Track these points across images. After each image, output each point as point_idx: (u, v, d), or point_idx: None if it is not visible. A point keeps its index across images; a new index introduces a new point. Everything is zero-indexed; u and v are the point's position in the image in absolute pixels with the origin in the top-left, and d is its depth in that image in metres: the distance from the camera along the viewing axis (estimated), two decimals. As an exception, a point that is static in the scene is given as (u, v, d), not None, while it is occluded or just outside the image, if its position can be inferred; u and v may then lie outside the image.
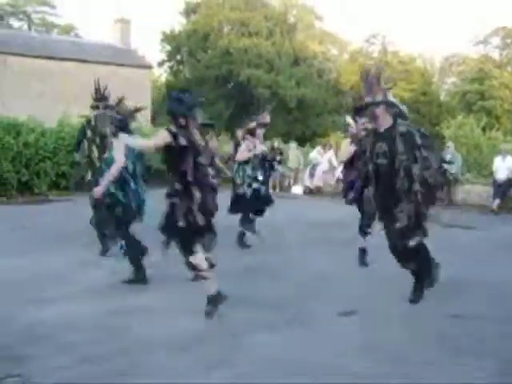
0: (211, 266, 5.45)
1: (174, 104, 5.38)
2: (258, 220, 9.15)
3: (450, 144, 15.69)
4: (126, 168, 6.61)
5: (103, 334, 5.08)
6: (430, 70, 49.41)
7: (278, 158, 10.16)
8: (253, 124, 9.14)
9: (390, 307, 5.92)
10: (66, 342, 4.88)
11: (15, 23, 45.45)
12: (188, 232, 5.27)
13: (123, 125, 6.74)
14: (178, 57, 46.21)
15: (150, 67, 34.79)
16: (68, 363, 4.42)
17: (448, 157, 14.86)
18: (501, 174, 14.11)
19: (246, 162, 8.91)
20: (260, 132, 9.28)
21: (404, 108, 6.14)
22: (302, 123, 42.42)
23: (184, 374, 4.26)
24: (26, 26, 45.21)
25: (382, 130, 5.93)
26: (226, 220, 10.41)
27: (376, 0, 74.65)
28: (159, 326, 5.31)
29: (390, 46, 47.33)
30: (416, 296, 6.10)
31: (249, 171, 8.91)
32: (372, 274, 7.20)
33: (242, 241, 8.97)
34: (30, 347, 4.75)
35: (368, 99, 5.90)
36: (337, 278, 6.93)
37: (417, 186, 5.72)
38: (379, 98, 5.85)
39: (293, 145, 22.06)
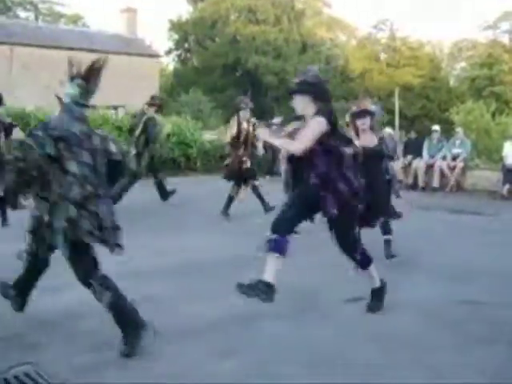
0: None
1: None
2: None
3: (460, 130, 15.61)
4: None
5: (113, 322, 5.09)
6: (438, 55, 49.09)
7: None
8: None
9: (400, 294, 5.90)
10: (78, 330, 4.91)
11: (22, 14, 45.49)
12: None
13: None
14: (186, 45, 46.16)
15: (157, 56, 34.77)
16: (79, 351, 4.45)
17: (457, 142, 14.82)
18: (510, 160, 14.03)
19: None
20: None
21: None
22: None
23: (196, 362, 4.27)
24: (33, 17, 45.21)
25: None
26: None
27: (384, -15, 74.02)
28: (171, 314, 5.32)
29: (399, 32, 47.03)
30: None
31: None
32: (380, 261, 7.19)
33: None
34: (41, 335, 4.78)
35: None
36: (345, 265, 6.92)
37: None
38: None
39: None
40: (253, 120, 10.27)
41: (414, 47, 46.26)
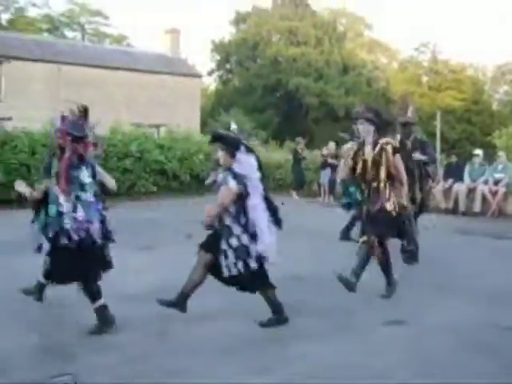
0: None
1: None
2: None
3: (502, 154, 15.40)
4: None
5: (151, 335, 5.17)
6: (481, 78, 48.63)
7: None
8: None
9: (438, 316, 5.85)
10: (115, 341, 4.99)
11: (69, 33, 46.63)
12: None
13: None
14: (228, 66, 46.59)
15: (199, 76, 35.21)
16: (116, 362, 4.52)
17: (500, 167, 14.62)
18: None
19: None
20: None
21: None
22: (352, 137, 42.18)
23: (228, 378, 4.30)
24: (79, 36, 46.26)
25: None
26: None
27: (427, 8, 73.95)
28: (206, 329, 5.37)
29: (441, 55, 46.77)
30: None
31: None
32: (419, 282, 7.13)
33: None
34: (80, 346, 4.88)
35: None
36: (381, 286, 6.88)
37: None
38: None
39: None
40: None
41: (456, 70, 45.95)
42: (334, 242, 9.80)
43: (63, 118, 5.29)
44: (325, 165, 17.90)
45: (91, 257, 5.25)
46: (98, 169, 5.44)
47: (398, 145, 6.53)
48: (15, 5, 43.88)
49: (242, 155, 5.23)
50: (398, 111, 8.13)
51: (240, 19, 46.73)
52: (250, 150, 5.38)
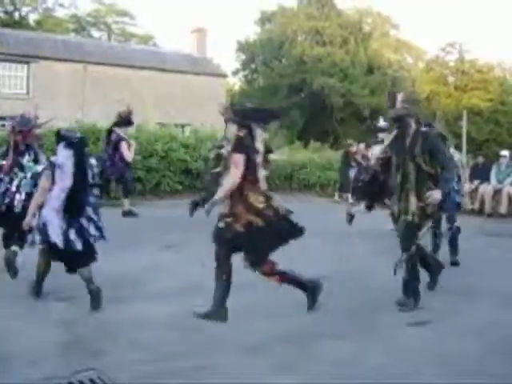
0: None
1: None
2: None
3: (529, 155, 15.22)
4: None
5: (176, 333, 5.20)
6: (509, 78, 48.05)
7: None
8: None
9: (463, 319, 5.81)
10: (141, 339, 5.03)
11: (96, 33, 47.03)
12: None
13: None
14: (253, 65, 46.63)
15: (224, 76, 35.29)
16: (142, 359, 4.56)
17: (526, 168, 14.46)
18: None
19: None
20: None
21: None
22: (375, 132, 41.97)
23: (252, 377, 4.32)
24: (106, 36, 46.63)
25: None
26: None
27: (454, 7, 73.32)
28: (231, 327, 5.39)
29: (467, 55, 46.31)
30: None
31: None
32: (444, 285, 7.08)
33: None
34: (105, 343, 4.93)
35: None
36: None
37: None
38: None
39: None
40: None
41: (483, 70, 45.47)
42: (357, 241, 9.79)
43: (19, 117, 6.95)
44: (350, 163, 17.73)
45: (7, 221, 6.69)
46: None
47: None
48: (43, 5, 44.40)
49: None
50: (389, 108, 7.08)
51: (265, 19, 46.76)
52: None
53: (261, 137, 5.54)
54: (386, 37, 48.85)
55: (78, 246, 5.77)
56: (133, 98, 28.28)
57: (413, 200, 5.95)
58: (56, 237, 5.70)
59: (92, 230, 5.95)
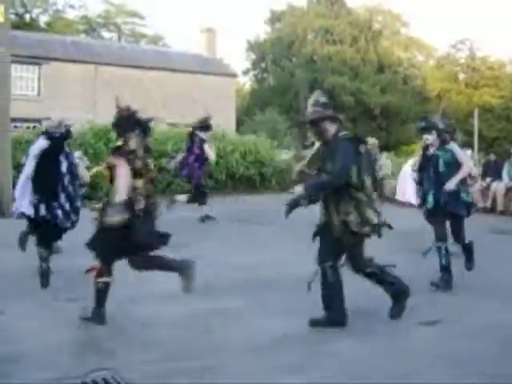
0: None
1: None
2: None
3: (541, 152, 15.13)
4: None
5: (187, 333, 5.22)
6: (520, 75, 47.75)
7: None
8: None
9: (474, 318, 5.78)
10: (155, 339, 5.05)
11: (106, 34, 47.20)
12: None
13: None
14: (263, 65, 46.63)
15: (234, 75, 35.29)
16: (154, 359, 4.58)
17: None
18: None
19: None
20: None
21: None
22: (387, 131, 41.88)
23: (263, 376, 4.32)
24: (116, 37, 46.78)
25: None
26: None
27: (464, 4, 73.01)
28: (241, 327, 5.40)
29: (478, 52, 46.09)
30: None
31: None
32: (454, 283, 7.06)
33: None
34: (118, 343, 4.95)
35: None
36: (422, 287, 6.83)
37: None
38: None
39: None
40: None
41: (495, 67, 45.24)
42: (368, 240, 9.76)
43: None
44: None
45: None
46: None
47: None
48: (53, 7, 44.60)
49: None
50: None
51: (275, 18, 46.75)
52: None
53: None
54: (396, 35, 48.74)
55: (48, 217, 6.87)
56: (143, 99, 28.41)
57: (334, 213, 5.32)
58: (27, 209, 6.96)
59: (59, 214, 6.92)
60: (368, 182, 5.34)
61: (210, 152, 12.22)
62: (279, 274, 7.36)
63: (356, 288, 6.55)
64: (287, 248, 9.12)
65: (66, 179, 7.02)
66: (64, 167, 6.98)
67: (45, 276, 6.70)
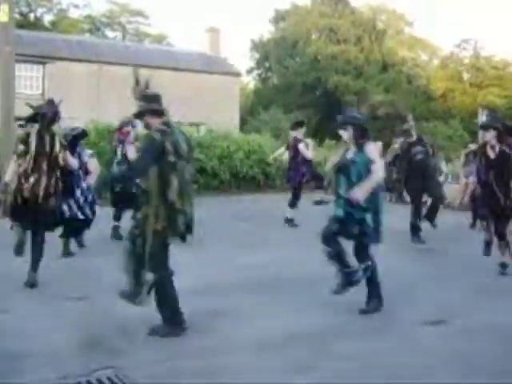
0: None
1: None
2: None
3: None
4: None
5: (193, 332, 5.21)
6: (525, 75, 47.62)
7: None
8: None
9: (479, 316, 5.77)
10: (157, 338, 5.04)
11: (110, 33, 47.21)
12: None
13: None
14: (267, 64, 46.61)
15: (238, 75, 35.24)
16: (159, 358, 4.58)
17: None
18: None
19: None
20: None
21: None
22: (391, 130, 41.79)
23: (271, 376, 4.31)
24: (120, 36, 46.80)
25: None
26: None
27: (468, 4, 72.83)
28: (247, 327, 5.40)
29: (483, 52, 45.99)
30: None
31: None
32: (459, 282, 7.04)
33: None
34: (122, 341, 4.95)
35: None
36: (423, 286, 6.82)
37: None
38: None
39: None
40: None
41: (499, 67, 45.14)
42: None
43: None
44: None
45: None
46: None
47: None
48: (58, 6, 44.64)
49: None
50: None
51: (279, 17, 46.72)
52: None
53: None
54: (400, 34, 48.68)
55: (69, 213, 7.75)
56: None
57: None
58: None
59: (75, 208, 7.86)
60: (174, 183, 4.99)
61: (305, 150, 11.55)
62: (282, 274, 7.36)
63: (361, 287, 6.55)
64: (291, 248, 9.13)
65: (79, 176, 8.03)
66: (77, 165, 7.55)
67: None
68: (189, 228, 5.20)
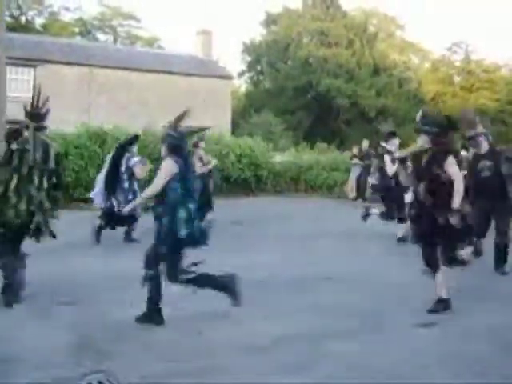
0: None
1: None
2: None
3: (537, 154, 15.15)
4: None
5: (185, 335, 5.21)
6: (516, 78, 47.87)
7: None
8: None
9: (473, 319, 5.78)
10: (152, 340, 5.05)
11: (102, 37, 47.13)
12: None
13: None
14: (258, 67, 46.63)
15: (230, 78, 35.25)
16: (150, 361, 4.57)
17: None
18: None
19: None
20: None
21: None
22: (382, 133, 41.87)
23: (261, 377, 4.31)
24: (111, 39, 46.72)
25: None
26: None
27: (459, 7, 73.20)
28: (238, 328, 5.40)
29: (474, 55, 46.20)
30: None
31: None
32: (454, 285, 7.05)
33: None
34: (115, 344, 4.93)
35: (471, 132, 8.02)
36: (416, 288, 6.83)
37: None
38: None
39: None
40: None
41: (490, 70, 45.35)
42: (368, 242, 9.79)
43: None
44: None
45: None
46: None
47: None
48: (49, 9, 44.53)
49: None
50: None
51: (271, 20, 46.75)
52: None
53: None
54: (391, 38, 48.87)
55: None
56: (139, 101, 28.40)
57: None
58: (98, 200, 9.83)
59: (114, 204, 9.38)
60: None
61: (389, 164, 10.31)
62: (270, 276, 7.37)
63: (356, 289, 6.57)
64: (281, 250, 9.15)
65: (124, 177, 9.55)
66: (123, 168, 9.55)
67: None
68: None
